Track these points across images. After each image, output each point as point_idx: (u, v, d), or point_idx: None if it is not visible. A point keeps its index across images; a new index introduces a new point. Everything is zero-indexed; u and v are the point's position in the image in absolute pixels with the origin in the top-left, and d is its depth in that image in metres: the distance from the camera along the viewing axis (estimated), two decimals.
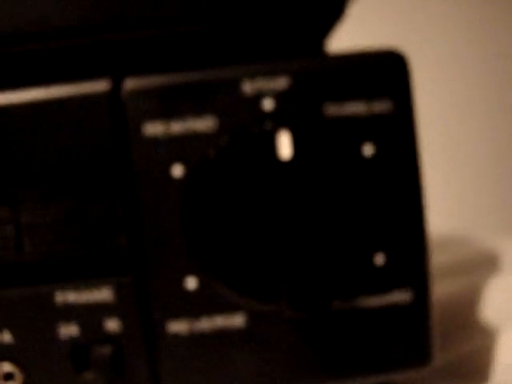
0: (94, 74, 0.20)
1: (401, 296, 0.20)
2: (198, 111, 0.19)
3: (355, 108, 0.20)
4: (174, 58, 0.21)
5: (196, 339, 0.20)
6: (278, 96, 0.20)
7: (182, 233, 0.19)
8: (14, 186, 0.19)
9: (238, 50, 0.21)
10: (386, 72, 0.20)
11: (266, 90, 0.20)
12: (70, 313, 0.19)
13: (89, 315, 0.19)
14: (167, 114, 0.19)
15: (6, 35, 0.20)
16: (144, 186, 0.19)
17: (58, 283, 0.19)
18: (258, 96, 0.20)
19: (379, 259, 0.20)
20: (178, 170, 0.19)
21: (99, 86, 0.20)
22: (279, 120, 0.19)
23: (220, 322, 0.20)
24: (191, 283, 0.19)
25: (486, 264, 0.35)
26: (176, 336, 0.20)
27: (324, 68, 0.20)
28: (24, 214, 0.20)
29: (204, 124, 0.19)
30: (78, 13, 0.20)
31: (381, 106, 0.20)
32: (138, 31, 0.20)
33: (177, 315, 0.20)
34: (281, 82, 0.20)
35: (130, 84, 0.20)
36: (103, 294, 0.19)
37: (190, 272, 0.19)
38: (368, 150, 0.20)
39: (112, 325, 0.19)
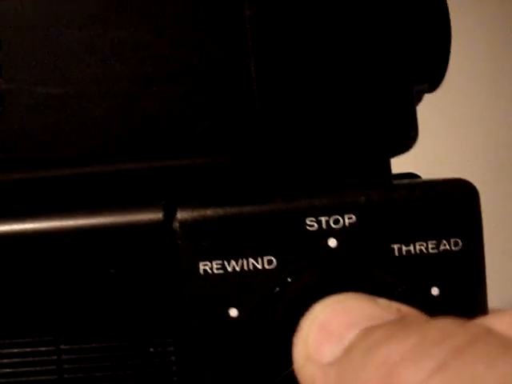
0: (147, 200, 0.18)
1: None
2: (257, 249, 0.18)
3: (424, 246, 0.19)
4: (232, 186, 0.19)
5: None
6: (343, 235, 0.18)
7: (240, 374, 0.18)
8: (57, 318, 0.18)
9: (297, 174, 0.19)
10: (457, 207, 0.19)
11: (330, 228, 0.18)
12: None
13: None
14: (223, 251, 0.18)
15: (62, 158, 0.18)
16: (198, 325, 0.18)
17: None
18: (322, 234, 0.18)
19: None
20: (234, 310, 0.18)
21: (151, 215, 0.18)
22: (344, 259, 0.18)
23: None
24: None
25: None
26: None
27: (391, 203, 0.18)
28: (66, 350, 0.18)
29: (263, 263, 0.18)
30: (130, 138, 0.18)
31: (450, 243, 0.19)
32: (196, 158, 0.18)
33: None
34: (346, 220, 0.18)
35: (183, 215, 0.18)
36: None
37: None
38: (435, 289, 0.19)
39: None
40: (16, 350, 0.18)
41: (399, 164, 0.22)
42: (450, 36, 0.23)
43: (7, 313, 0.18)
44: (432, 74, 0.23)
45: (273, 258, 0.18)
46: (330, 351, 0.14)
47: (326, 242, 0.18)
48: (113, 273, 0.18)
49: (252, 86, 0.19)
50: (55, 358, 0.18)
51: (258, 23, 0.19)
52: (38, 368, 0.18)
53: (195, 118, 0.18)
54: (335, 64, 0.19)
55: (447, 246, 0.19)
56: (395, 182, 0.20)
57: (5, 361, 0.18)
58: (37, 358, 0.18)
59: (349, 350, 0.13)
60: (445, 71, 0.23)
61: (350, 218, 0.18)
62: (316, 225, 0.18)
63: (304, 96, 0.19)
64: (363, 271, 0.18)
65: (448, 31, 0.23)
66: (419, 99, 0.23)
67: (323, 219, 0.18)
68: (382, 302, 0.15)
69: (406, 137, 0.19)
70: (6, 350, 0.18)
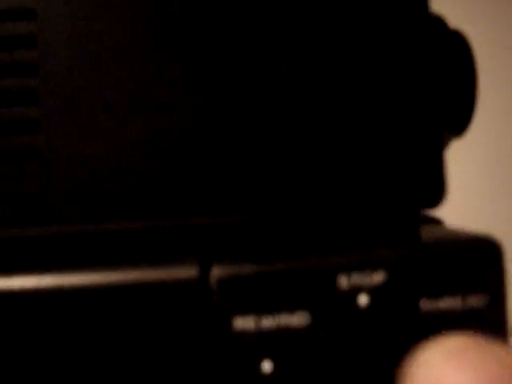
0: (180, 255, 0.19)
1: None
2: (290, 305, 0.19)
3: (451, 303, 0.19)
4: (266, 241, 0.19)
5: None
6: (374, 291, 0.19)
7: None
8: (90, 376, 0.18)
9: (329, 231, 0.20)
10: (482, 265, 0.19)
11: (361, 284, 0.19)
12: None
13: None
14: (258, 308, 0.18)
15: (98, 214, 0.18)
16: (232, 381, 0.19)
17: None
18: (354, 291, 0.19)
19: None
20: (267, 366, 0.19)
21: (186, 271, 0.18)
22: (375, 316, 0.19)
23: None
24: None
25: None
26: None
27: (420, 260, 0.19)
28: None
29: (297, 319, 0.19)
30: (168, 196, 0.18)
31: (475, 300, 0.19)
32: (230, 216, 0.19)
33: None
34: (377, 277, 0.19)
35: (219, 272, 0.18)
36: None
37: None
38: None
39: None
40: None
41: None
42: (476, 78, 0.23)
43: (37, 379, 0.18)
44: (459, 120, 0.23)
45: (306, 314, 0.19)
46: None
47: (358, 299, 0.19)
48: (147, 331, 0.18)
49: (282, 142, 0.19)
50: None
51: None
52: None
53: (229, 176, 0.19)
54: (363, 121, 0.19)
55: (473, 303, 0.19)
56: (422, 232, 0.21)
57: None
58: None
59: None
60: (472, 116, 0.23)
61: (381, 275, 0.19)
62: (348, 281, 0.19)
63: (332, 152, 0.19)
64: (393, 327, 0.19)
65: (473, 74, 0.23)
66: (446, 145, 0.23)
67: (355, 276, 0.19)
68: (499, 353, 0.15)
69: (434, 194, 0.19)
70: None
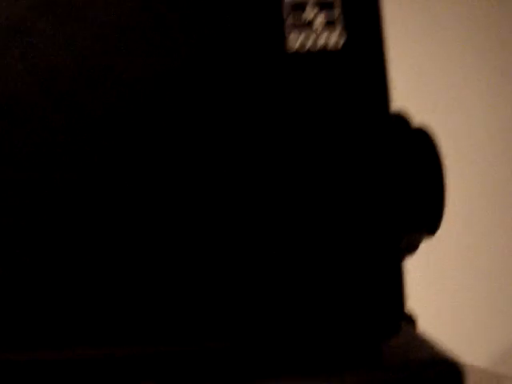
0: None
1: None
2: None
3: None
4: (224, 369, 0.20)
5: None
6: None
7: None
8: None
9: (289, 356, 0.20)
10: None
11: None
12: None
13: None
14: None
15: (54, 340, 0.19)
16: None
17: None
18: None
19: None
20: None
21: None
22: None
23: None
24: None
25: None
26: None
27: None
28: None
29: None
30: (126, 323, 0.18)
31: None
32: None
33: None
34: None
35: None
36: None
37: None
38: None
39: None
40: None
41: None
42: (443, 174, 0.23)
43: None
44: (429, 221, 0.23)
45: None
46: None
47: None
48: None
49: (238, 269, 0.19)
50: None
51: None
52: None
53: (192, 305, 0.19)
54: (323, 239, 0.19)
55: None
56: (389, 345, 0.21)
57: None
58: None
59: None
60: (441, 217, 0.23)
61: None
62: None
63: (288, 280, 0.19)
64: None
65: (440, 170, 0.23)
66: (418, 245, 0.23)
67: None
68: None
69: (394, 323, 0.19)
70: None
